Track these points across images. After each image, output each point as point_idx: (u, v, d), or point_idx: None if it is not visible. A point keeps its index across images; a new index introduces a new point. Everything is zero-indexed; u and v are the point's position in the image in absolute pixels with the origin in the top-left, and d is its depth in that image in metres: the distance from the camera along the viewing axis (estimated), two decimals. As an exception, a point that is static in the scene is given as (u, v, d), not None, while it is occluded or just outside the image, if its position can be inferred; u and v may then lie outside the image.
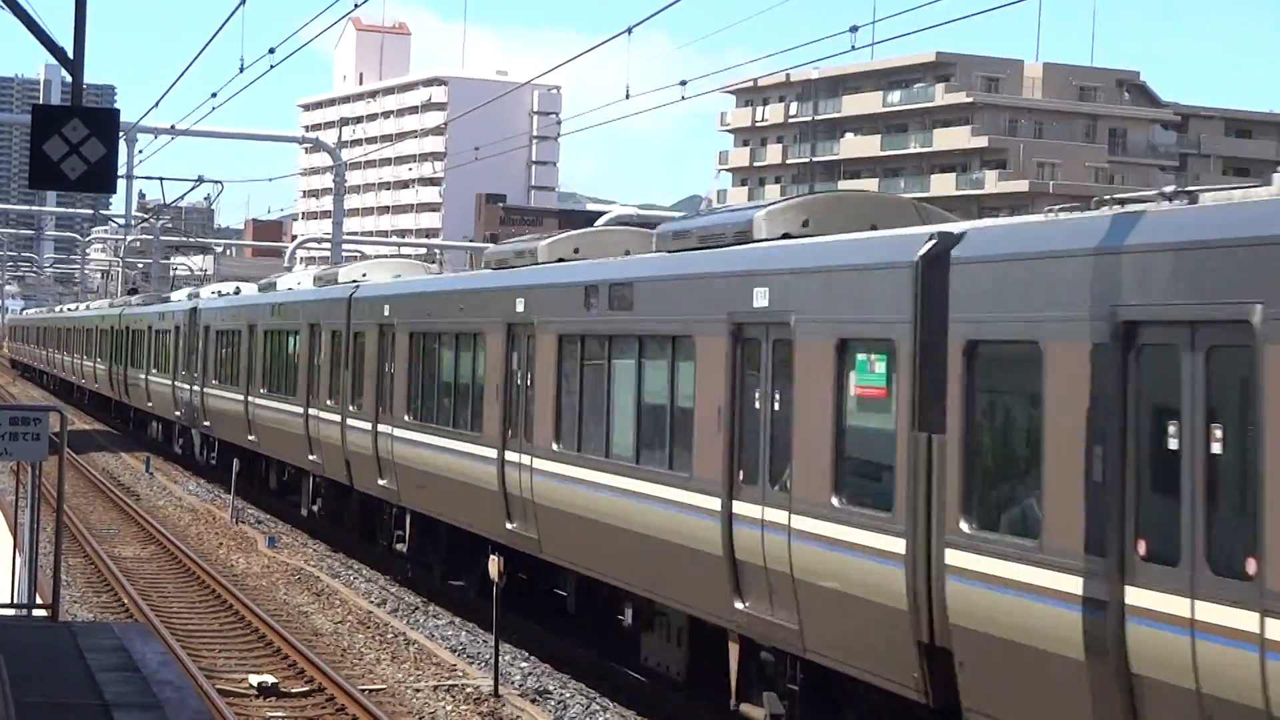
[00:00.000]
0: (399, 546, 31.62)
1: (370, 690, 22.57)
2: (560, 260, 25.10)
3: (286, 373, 39.04)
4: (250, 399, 42.43)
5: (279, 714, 21.91)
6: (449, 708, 21.90)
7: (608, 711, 22.12)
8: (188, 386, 51.15)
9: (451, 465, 26.85)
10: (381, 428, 31.04)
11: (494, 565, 23.60)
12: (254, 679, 22.98)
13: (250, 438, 42.62)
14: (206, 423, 49.05)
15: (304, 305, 38.22)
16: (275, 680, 22.96)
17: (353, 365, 33.39)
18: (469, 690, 22.61)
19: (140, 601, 28.76)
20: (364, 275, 37.89)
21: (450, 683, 23.11)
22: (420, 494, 29.08)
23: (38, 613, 18.31)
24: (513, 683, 23.21)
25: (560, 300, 23.19)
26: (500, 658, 23.20)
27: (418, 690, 22.77)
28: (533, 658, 25.11)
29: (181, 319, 53.09)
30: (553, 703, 22.39)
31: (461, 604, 29.15)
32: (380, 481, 31.24)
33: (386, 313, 31.53)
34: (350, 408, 33.25)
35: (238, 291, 51.75)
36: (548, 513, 23.04)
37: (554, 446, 22.79)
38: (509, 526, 24.28)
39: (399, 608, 29.49)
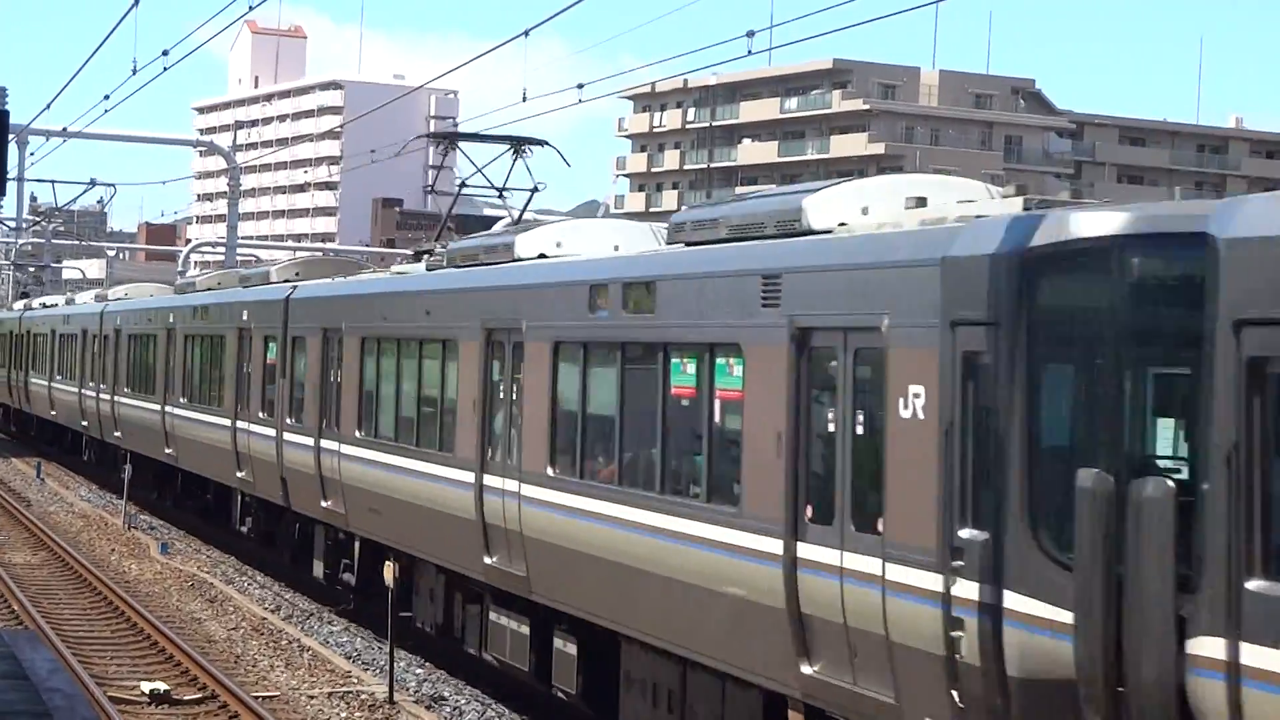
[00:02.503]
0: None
1: (264, 697, 22.40)
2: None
3: None
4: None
5: (171, 722, 21.71)
6: (343, 714, 21.77)
7: (503, 718, 22.06)
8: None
9: None
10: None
11: (389, 571, 23.49)
12: (146, 686, 22.76)
13: None
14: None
15: None
16: (168, 687, 22.74)
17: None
18: (364, 697, 22.48)
19: (31, 609, 28.44)
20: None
21: (345, 689, 22.98)
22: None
23: (-76, 620, 18.05)
24: (408, 689, 23.10)
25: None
26: (395, 664, 23.09)
27: (312, 697, 22.63)
28: (428, 664, 25.02)
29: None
30: (448, 709, 22.30)
31: (356, 611, 29.00)
32: None
33: None
34: None
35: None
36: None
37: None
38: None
39: (293, 614, 29.31)
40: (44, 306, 66.07)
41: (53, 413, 57.71)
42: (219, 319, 35.87)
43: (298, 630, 27.50)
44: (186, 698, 22.65)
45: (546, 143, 29.19)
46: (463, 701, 22.75)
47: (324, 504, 28.29)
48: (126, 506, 41.95)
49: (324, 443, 28.19)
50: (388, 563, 23.76)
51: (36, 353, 61.45)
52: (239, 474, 33.56)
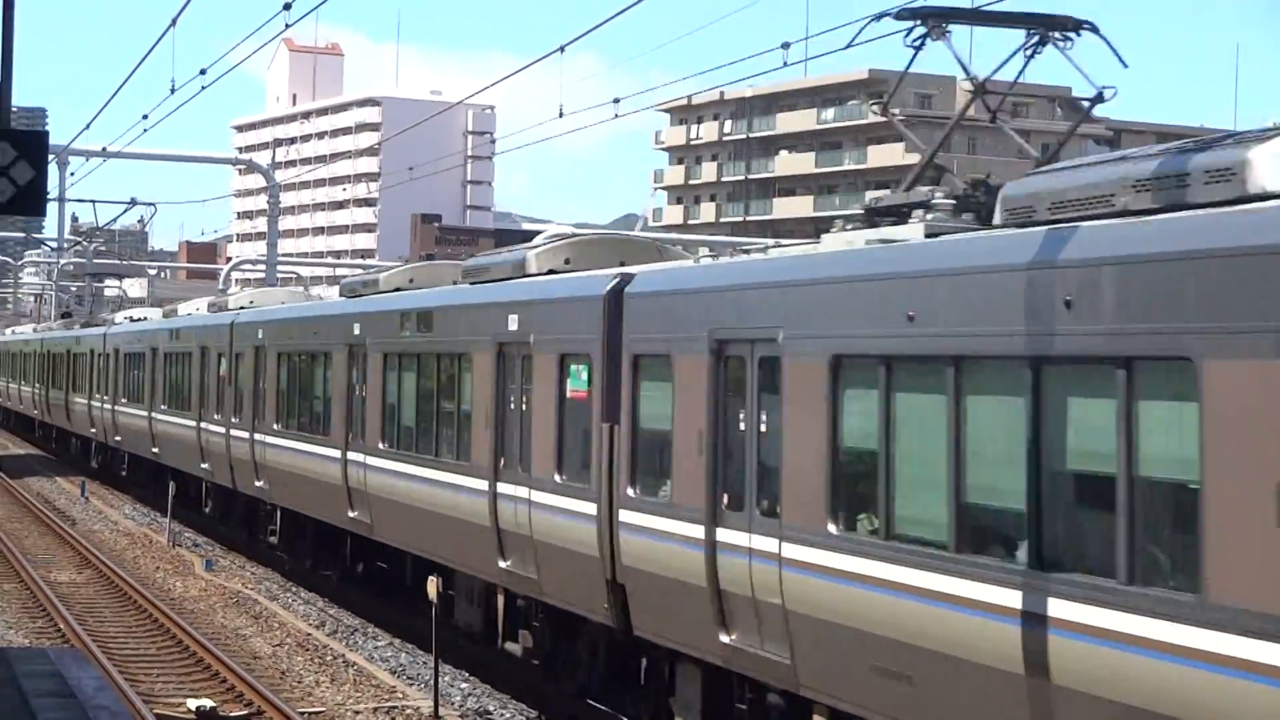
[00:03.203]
0: None
1: (310, 713, 22.44)
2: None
3: None
4: None
5: (217, 738, 21.78)
6: (389, 729, 21.82)
7: (548, 731, 22.06)
8: None
9: None
10: None
11: (432, 586, 23.49)
12: (192, 703, 22.82)
13: None
14: None
15: None
16: (214, 704, 22.80)
17: None
18: (409, 712, 22.51)
19: (76, 626, 28.54)
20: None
21: (390, 704, 23.00)
22: None
23: (-28, 639, 18.16)
24: (453, 703, 23.12)
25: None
26: (440, 678, 23.10)
27: (357, 712, 22.66)
28: (473, 678, 25.03)
29: None
30: (493, 723, 22.32)
31: (401, 625, 29.04)
32: None
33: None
34: None
35: None
36: None
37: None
38: None
39: (338, 629, 29.36)
40: (132, 320, 55.73)
41: (154, 450, 46.63)
42: (454, 329, 25.10)
43: (342, 646, 27.54)
44: (233, 714, 22.70)
45: (1090, 25, 17.45)
46: (507, 715, 22.75)
47: (763, 650, 16.39)
48: (171, 524, 42.06)
49: (760, 541, 16.28)
50: (431, 577, 23.72)
51: (127, 376, 50.67)
52: (503, 563, 22.64)
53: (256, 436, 35.30)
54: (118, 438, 53.34)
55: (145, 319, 50.56)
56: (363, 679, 24.77)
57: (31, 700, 14.96)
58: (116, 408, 52.38)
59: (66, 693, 15.42)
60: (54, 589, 33.02)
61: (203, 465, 40.34)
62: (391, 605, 29.63)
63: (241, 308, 40.82)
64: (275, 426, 33.80)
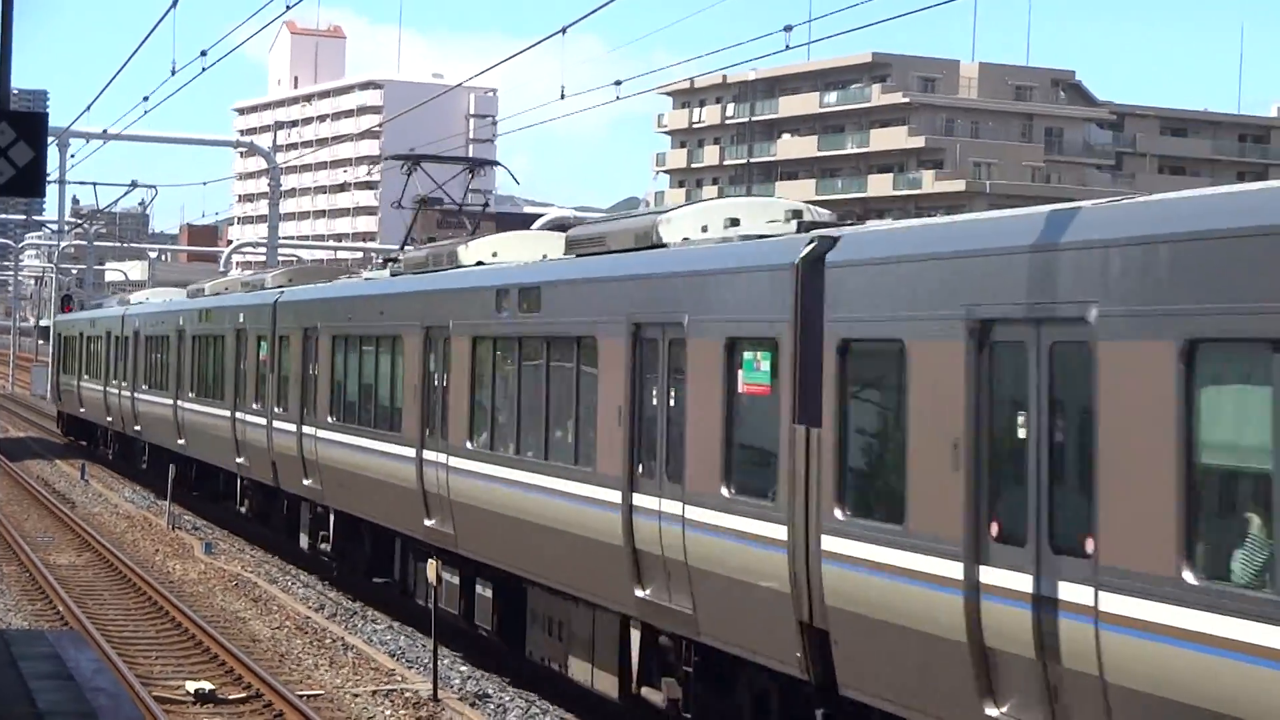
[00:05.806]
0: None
1: (308, 696, 22.43)
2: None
3: None
4: None
5: (216, 721, 21.76)
6: (388, 712, 21.79)
7: (547, 715, 22.05)
8: None
9: None
10: None
11: (431, 569, 23.48)
12: (191, 686, 22.81)
13: None
14: None
15: None
16: (213, 687, 22.78)
17: None
18: (408, 695, 22.50)
19: (75, 609, 28.53)
20: None
21: (389, 687, 22.99)
22: None
23: (-30, 622, 18.14)
24: (452, 687, 23.11)
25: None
26: (439, 662, 23.09)
27: (356, 695, 22.65)
28: (470, 662, 25.03)
29: None
30: (492, 706, 22.30)
31: (400, 608, 29.04)
32: None
33: None
34: None
35: None
36: None
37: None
38: None
39: (337, 613, 29.36)
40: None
41: (427, 522, 26.05)
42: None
43: (341, 629, 27.54)
44: (231, 697, 22.69)
45: None
46: (506, 699, 22.74)
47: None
48: (170, 507, 42.06)
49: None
50: (430, 560, 23.75)
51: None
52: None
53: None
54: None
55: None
56: (362, 662, 24.77)
57: (30, 682, 14.94)
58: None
59: (65, 675, 15.41)
60: (53, 571, 33.02)
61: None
62: (385, 590, 29.65)
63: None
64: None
